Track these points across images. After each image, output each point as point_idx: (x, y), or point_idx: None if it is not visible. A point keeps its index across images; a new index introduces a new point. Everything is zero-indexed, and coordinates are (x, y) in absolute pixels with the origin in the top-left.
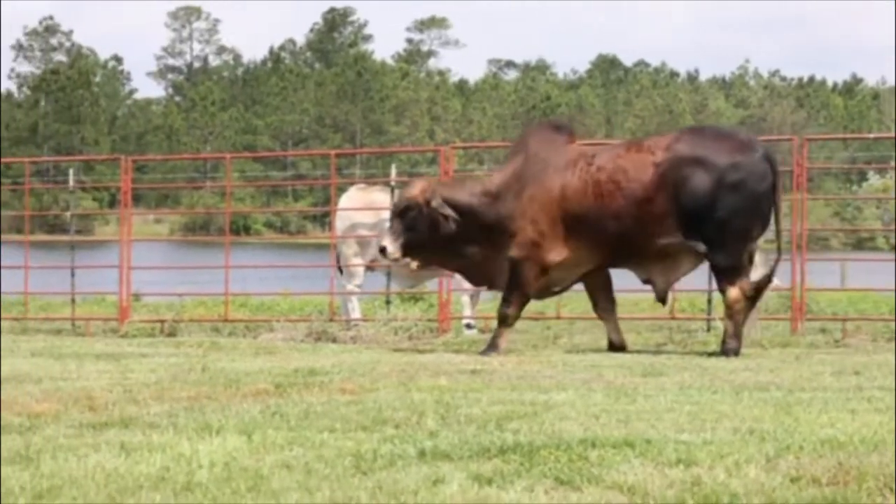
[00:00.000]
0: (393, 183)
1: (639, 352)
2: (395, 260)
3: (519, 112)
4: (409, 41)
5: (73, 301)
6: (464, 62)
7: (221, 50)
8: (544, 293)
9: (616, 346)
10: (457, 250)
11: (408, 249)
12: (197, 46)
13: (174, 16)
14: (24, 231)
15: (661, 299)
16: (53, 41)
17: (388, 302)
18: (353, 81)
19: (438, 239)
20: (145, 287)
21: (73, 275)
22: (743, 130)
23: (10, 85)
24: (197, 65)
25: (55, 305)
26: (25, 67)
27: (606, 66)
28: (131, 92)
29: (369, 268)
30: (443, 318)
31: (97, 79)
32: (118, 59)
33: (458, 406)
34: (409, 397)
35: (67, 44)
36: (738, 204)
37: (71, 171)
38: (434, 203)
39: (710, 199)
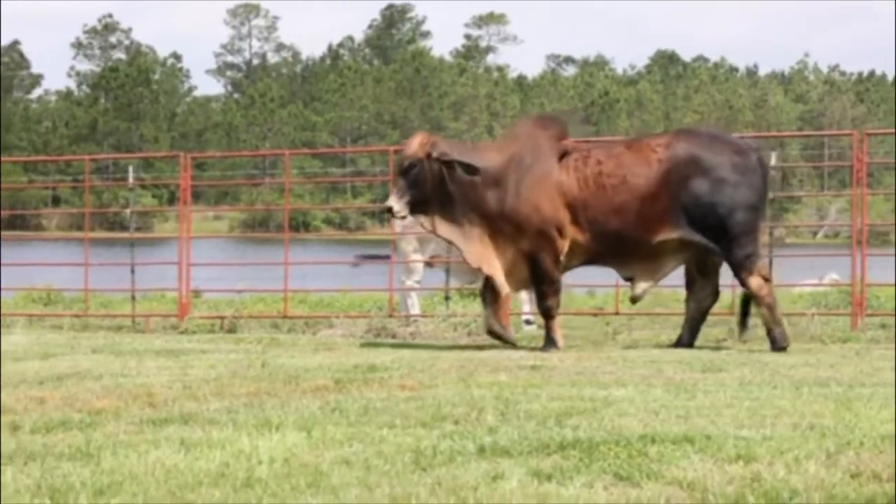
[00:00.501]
0: None
1: (698, 347)
2: (403, 218)
3: (578, 108)
4: (468, 37)
5: (133, 298)
6: (522, 58)
7: (280, 47)
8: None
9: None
10: (462, 212)
11: (414, 207)
12: (256, 44)
13: (233, 13)
14: (85, 228)
15: (636, 299)
16: (112, 39)
17: (447, 298)
18: (411, 78)
19: (445, 195)
20: (205, 284)
21: (132, 272)
22: (734, 136)
23: (70, 83)
24: (256, 62)
25: (115, 302)
26: (85, 66)
27: (665, 61)
28: (190, 89)
29: (428, 264)
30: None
31: (156, 76)
32: (177, 57)
33: (517, 402)
34: (469, 393)
35: (127, 42)
36: (743, 198)
37: (130, 169)
38: (436, 154)
39: (716, 196)
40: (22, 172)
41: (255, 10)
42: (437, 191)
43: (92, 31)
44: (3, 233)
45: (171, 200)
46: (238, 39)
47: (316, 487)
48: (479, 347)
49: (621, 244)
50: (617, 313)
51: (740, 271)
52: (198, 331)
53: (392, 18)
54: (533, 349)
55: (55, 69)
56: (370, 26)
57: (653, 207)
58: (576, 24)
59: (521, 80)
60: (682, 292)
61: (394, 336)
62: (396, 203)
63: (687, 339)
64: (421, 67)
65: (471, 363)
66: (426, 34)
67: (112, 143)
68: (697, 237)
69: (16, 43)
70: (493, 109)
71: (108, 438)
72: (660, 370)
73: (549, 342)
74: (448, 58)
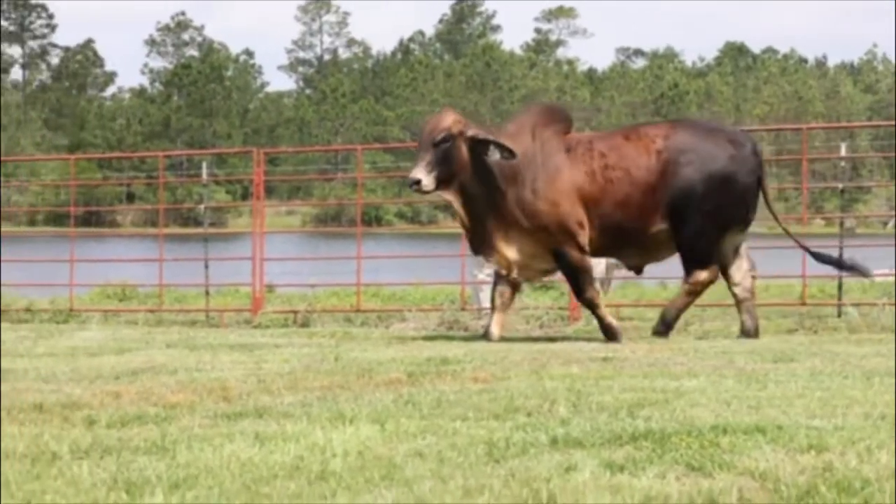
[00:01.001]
0: None
1: (772, 336)
2: (428, 192)
3: (647, 100)
4: (538, 31)
5: (207, 293)
6: (592, 51)
7: (351, 42)
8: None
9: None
10: (481, 196)
11: (442, 183)
12: (327, 39)
13: (304, 9)
14: (159, 224)
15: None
16: (185, 36)
17: (519, 291)
18: (481, 72)
19: (479, 176)
20: (278, 278)
21: (206, 267)
22: (730, 125)
23: (143, 80)
24: (327, 57)
25: (190, 297)
26: (158, 63)
27: (735, 53)
28: (263, 85)
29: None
30: (574, 306)
31: (229, 73)
32: (249, 53)
33: (589, 393)
34: (541, 385)
35: (199, 39)
36: (728, 195)
37: (204, 165)
38: (470, 133)
39: (702, 189)
40: (97, 169)
41: (325, 5)
42: (465, 171)
43: (165, 29)
44: (79, 229)
45: (245, 196)
46: (309, 35)
47: (390, 480)
48: (552, 339)
49: (621, 236)
50: None
51: (690, 264)
52: (271, 325)
53: (462, 13)
54: (604, 341)
55: (129, 67)
56: (440, 21)
57: (652, 199)
58: (645, 17)
59: (590, 73)
60: (758, 282)
61: (466, 329)
62: (425, 176)
63: (751, 325)
64: (491, 61)
65: (543, 355)
66: (496, 28)
67: (185, 139)
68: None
69: (90, 41)
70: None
71: (183, 432)
72: (731, 361)
73: (609, 332)
74: (518, 51)
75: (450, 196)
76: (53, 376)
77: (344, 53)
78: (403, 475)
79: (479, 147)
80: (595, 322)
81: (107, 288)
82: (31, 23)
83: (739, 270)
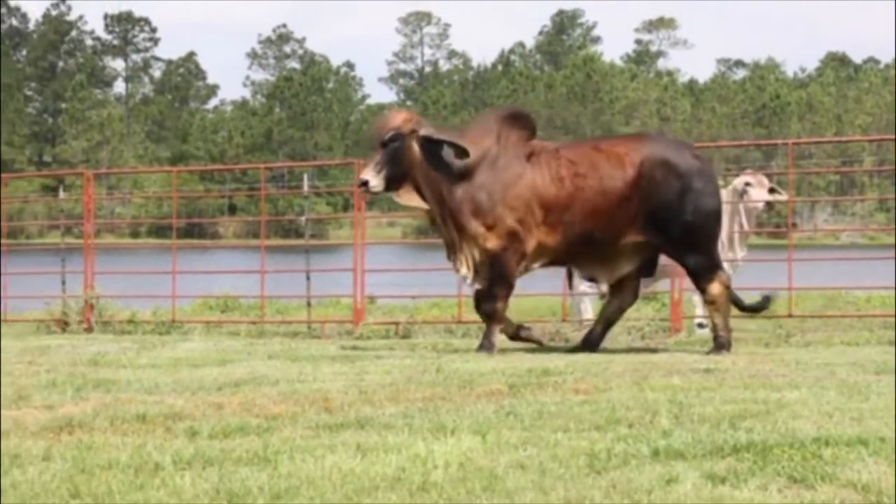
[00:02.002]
0: None
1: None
2: (377, 193)
3: (748, 111)
4: (638, 42)
5: (308, 304)
6: (693, 62)
7: (452, 54)
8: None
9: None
10: (435, 197)
11: (390, 183)
12: (428, 51)
13: (405, 21)
14: (261, 236)
15: (606, 295)
16: (287, 49)
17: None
18: (582, 83)
19: (429, 176)
20: (379, 289)
21: (308, 278)
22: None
23: (245, 93)
24: (428, 69)
25: (291, 308)
26: (260, 75)
27: (836, 63)
28: (364, 97)
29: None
30: (675, 318)
31: (330, 85)
32: (350, 66)
33: (691, 405)
34: (643, 397)
35: (300, 51)
36: (709, 206)
37: (305, 177)
38: (423, 132)
39: (686, 202)
40: (199, 181)
41: (426, 17)
42: (417, 171)
43: (267, 41)
44: (181, 241)
45: (346, 207)
46: (410, 47)
47: (491, 491)
48: (653, 351)
49: (588, 246)
50: (790, 315)
51: (701, 278)
52: (373, 336)
53: (562, 24)
54: (706, 352)
55: (231, 79)
56: (541, 32)
57: (624, 210)
58: (746, 27)
59: (691, 84)
60: (855, 294)
61: (567, 340)
62: (373, 178)
63: (598, 338)
64: (592, 73)
65: (644, 366)
66: (596, 39)
67: (287, 151)
68: (660, 241)
69: (192, 54)
70: (664, 114)
71: (285, 443)
72: (833, 372)
73: (487, 345)
74: (619, 63)
75: (403, 198)
76: (156, 387)
77: (445, 65)
78: (505, 487)
79: (432, 147)
80: (697, 332)
81: (209, 299)
82: (135, 36)
83: (629, 290)
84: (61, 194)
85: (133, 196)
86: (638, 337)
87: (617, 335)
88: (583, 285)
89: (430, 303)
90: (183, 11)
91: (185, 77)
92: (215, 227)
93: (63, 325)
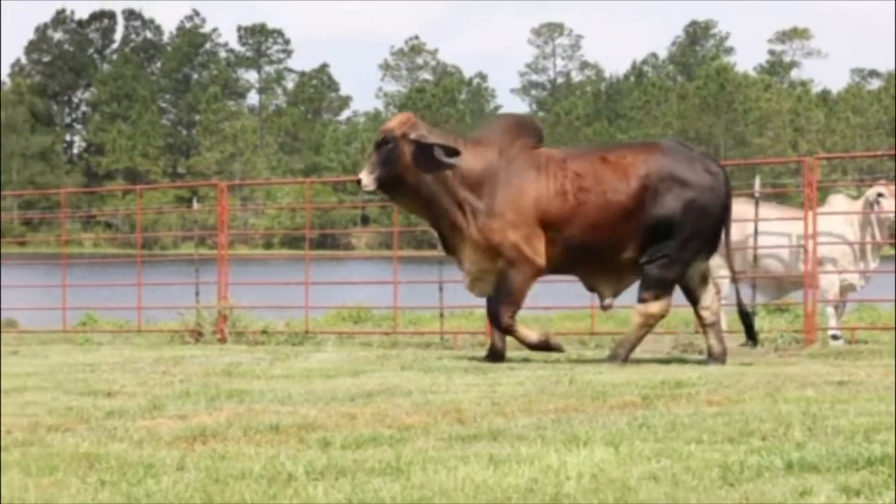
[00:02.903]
0: (756, 194)
1: None
2: (371, 192)
3: (883, 121)
4: (772, 52)
5: (441, 315)
6: (826, 72)
7: (584, 65)
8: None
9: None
10: (434, 201)
11: (382, 184)
12: (560, 62)
13: (537, 32)
14: (393, 247)
15: (606, 308)
16: (419, 60)
17: (753, 314)
18: (715, 94)
19: (423, 179)
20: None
21: (441, 289)
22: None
23: (377, 104)
24: (560, 80)
25: (424, 319)
26: (392, 87)
27: None
28: (496, 108)
29: (734, 279)
30: (808, 330)
31: (462, 96)
32: (483, 77)
33: (825, 417)
34: (776, 409)
35: (433, 62)
36: (702, 223)
37: None
38: (414, 136)
39: (680, 218)
40: (332, 192)
41: (558, 29)
42: (416, 175)
43: (399, 53)
44: (314, 252)
45: None
46: (542, 58)
47: (624, 503)
48: (786, 363)
49: (590, 258)
50: None
51: (650, 290)
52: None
53: (695, 35)
54: (839, 365)
55: (363, 91)
56: (674, 43)
57: (627, 224)
58: (881, 37)
59: (825, 94)
60: None
61: (700, 352)
62: (366, 177)
63: (718, 349)
64: (725, 83)
65: (777, 378)
66: (729, 50)
67: None
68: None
69: (325, 66)
70: (797, 125)
71: (418, 454)
72: None
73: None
74: (752, 73)
75: (397, 199)
76: (289, 398)
77: (577, 76)
78: (637, 498)
79: (426, 150)
80: (831, 344)
81: (342, 310)
82: (268, 48)
83: (707, 294)
84: (195, 205)
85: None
86: (771, 348)
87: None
88: (829, 294)
89: (563, 314)
90: (316, 23)
91: (318, 88)
92: (348, 237)
93: (197, 335)
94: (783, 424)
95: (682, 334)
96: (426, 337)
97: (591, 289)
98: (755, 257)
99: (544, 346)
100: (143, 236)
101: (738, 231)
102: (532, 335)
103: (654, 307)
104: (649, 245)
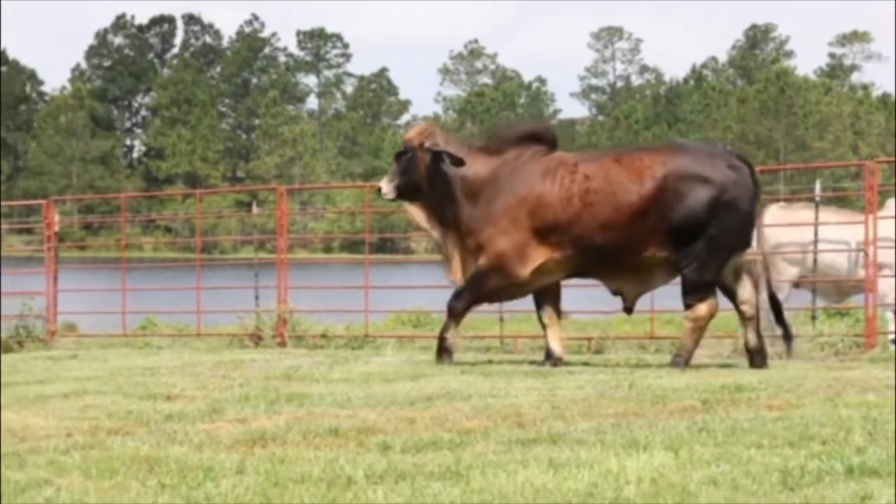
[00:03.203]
0: (817, 198)
1: None
2: (391, 200)
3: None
4: (832, 56)
5: (501, 319)
6: (887, 75)
7: (643, 69)
8: (504, 296)
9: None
10: (448, 207)
11: (402, 193)
12: (619, 66)
13: (597, 36)
14: None
15: (629, 310)
16: (478, 64)
17: (813, 318)
18: (775, 97)
19: (434, 187)
20: (572, 305)
21: None
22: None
23: (437, 108)
24: (620, 84)
25: (484, 323)
26: (451, 91)
27: None
28: (555, 112)
29: (795, 284)
30: (869, 334)
31: (521, 100)
32: (542, 81)
33: (885, 422)
34: (836, 413)
35: (492, 66)
36: (731, 222)
37: None
38: (427, 144)
39: (706, 216)
40: None
41: (618, 33)
42: (428, 182)
43: (458, 57)
44: (373, 256)
45: None
46: (602, 62)
47: None
48: (847, 367)
49: (606, 259)
50: None
51: (692, 295)
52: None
53: (755, 38)
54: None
55: (422, 95)
56: (733, 47)
57: (642, 224)
58: None
59: (885, 97)
60: None
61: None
62: (386, 185)
63: (755, 343)
64: (785, 87)
65: (838, 383)
66: (789, 53)
67: None
68: (677, 254)
69: (384, 70)
70: (858, 128)
71: (478, 458)
72: None
73: (442, 349)
74: (812, 77)
75: (413, 209)
76: (349, 401)
77: (636, 80)
78: (697, 502)
79: (438, 158)
80: (891, 349)
81: (401, 314)
82: (327, 52)
83: (745, 288)
84: (254, 209)
85: (325, 211)
86: (831, 352)
87: (810, 351)
88: (888, 298)
89: (623, 318)
90: (375, 28)
91: (377, 93)
92: (408, 241)
93: (256, 339)
94: (843, 429)
95: (741, 337)
96: (486, 341)
97: (616, 292)
98: (815, 261)
99: (441, 343)
100: (203, 240)
101: (798, 236)
102: (449, 331)
103: (701, 309)
104: (681, 245)
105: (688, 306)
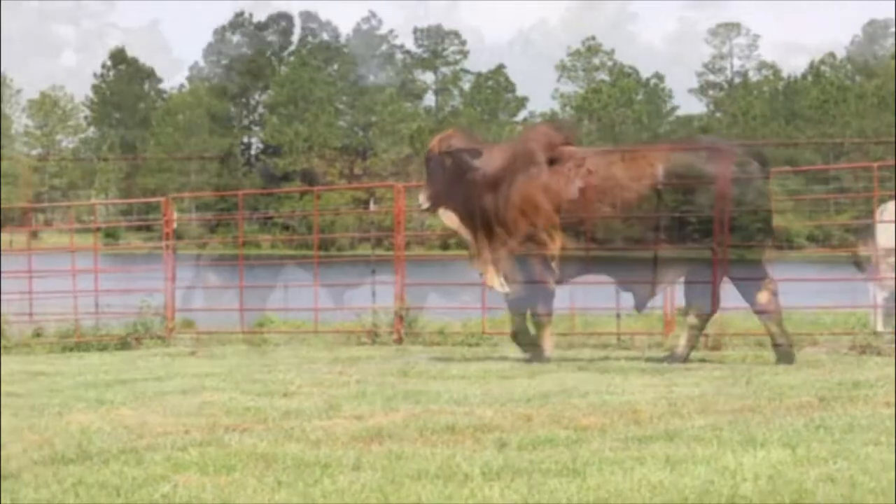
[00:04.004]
0: None
1: None
2: (427, 210)
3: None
4: None
5: (617, 316)
6: None
7: (761, 65)
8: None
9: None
10: (479, 211)
11: (436, 200)
12: (737, 62)
13: (714, 33)
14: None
15: (640, 307)
16: (596, 61)
17: None
18: (894, 93)
19: (461, 189)
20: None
21: (617, 290)
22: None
23: (554, 105)
24: (737, 80)
25: (601, 321)
26: (569, 87)
27: None
28: (673, 109)
29: None
30: None
31: (639, 97)
32: (659, 77)
33: None
34: None
35: (609, 63)
36: (746, 213)
37: None
38: (444, 147)
39: (715, 210)
40: None
41: (735, 28)
42: (452, 185)
43: (576, 54)
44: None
45: None
46: (719, 58)
47: None
48: None
49: (615, 255)
50: None
51: (748, 287)
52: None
53: (874, 34)
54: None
55: (539, 92)
56: (852, 42)
57: (648, 220)
58: None
59: None
60: None
61: (879, 353)
62: (422, 196)
63: (684, 353)
64: None
65: None
66: None
67: None
68: (693, 254)
69: (501, 67)
70: None
71: (594, 455)
72: None
73: (536, 353)
74: None
75: (447, 216)
76: (465, 398)
77: (754, 76)
78: (814, 500)
79: (458, 158)
80: None
81: None
82: (444, 49)
83: (704, 297)
84: (372, 207)
85: None
86: None
87: None
88: (879, 297)
89: (742, 315)
90: (492, 24)
91: (495, 89)
92: None
93: (373, 336)
94: None
95: (859, 334)
96: (603, 338)
97: (627, 290)
98: None
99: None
100: (320, 237)
101: None
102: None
103: (762, 298)
104: (699, 238)
105: (751, 302)
